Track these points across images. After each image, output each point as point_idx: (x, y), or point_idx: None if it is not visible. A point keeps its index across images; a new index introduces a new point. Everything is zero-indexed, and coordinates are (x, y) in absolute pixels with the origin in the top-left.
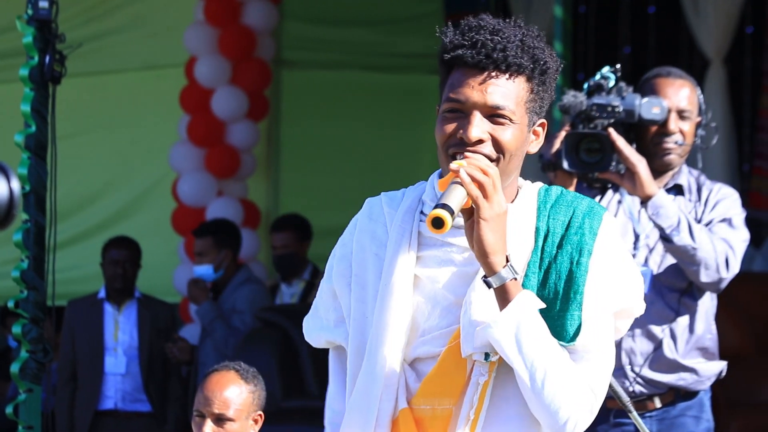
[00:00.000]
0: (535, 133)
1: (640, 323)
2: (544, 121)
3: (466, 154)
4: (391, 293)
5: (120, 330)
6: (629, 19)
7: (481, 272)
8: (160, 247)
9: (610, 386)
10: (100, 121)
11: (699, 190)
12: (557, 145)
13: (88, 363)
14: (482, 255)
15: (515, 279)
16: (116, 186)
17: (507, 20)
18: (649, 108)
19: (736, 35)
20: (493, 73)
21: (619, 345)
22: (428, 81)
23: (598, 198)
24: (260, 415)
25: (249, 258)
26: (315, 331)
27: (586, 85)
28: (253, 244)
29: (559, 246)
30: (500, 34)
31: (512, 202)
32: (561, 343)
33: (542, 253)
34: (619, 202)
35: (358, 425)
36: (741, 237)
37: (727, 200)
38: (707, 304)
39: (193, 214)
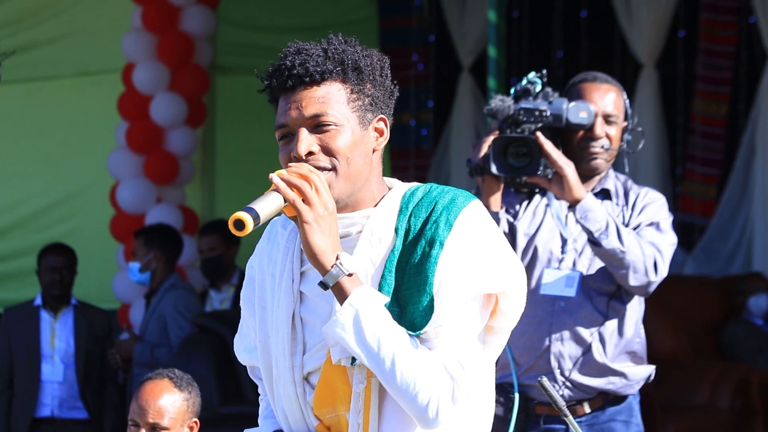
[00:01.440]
0: (376, 129)
1: (568, 327)
2: (383, 116)
3: (290, 164)
4: (280, 313)
5: (56, 337)
6: (562, 24)
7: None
8: (99, 254)
9: (545, 390)
10: (34, 127)
11: (626, 194)
12: (485, 149)
13: (25, 370)
14: (311, 257)
15: (350, 275)
16: (52, 193)
17: (324, 40)
18: (576, 112)
19: (668, 39)
20: (302, 88)
21: (548, 349)
22: None
23: (525, 203)
24: (195, 422)
25: (188, 264)
26: (241, 351)
27: (512, 90)
28: (191, 251)
29: (416, 242)
30: (303, 52)
31: (375, 206)
32: (415, 333)
33: (401, 252)
34: (547, 206)
35: None
36: (669, 241)
37: (655, 204)
38: (636, 308)
39: (132, 220)
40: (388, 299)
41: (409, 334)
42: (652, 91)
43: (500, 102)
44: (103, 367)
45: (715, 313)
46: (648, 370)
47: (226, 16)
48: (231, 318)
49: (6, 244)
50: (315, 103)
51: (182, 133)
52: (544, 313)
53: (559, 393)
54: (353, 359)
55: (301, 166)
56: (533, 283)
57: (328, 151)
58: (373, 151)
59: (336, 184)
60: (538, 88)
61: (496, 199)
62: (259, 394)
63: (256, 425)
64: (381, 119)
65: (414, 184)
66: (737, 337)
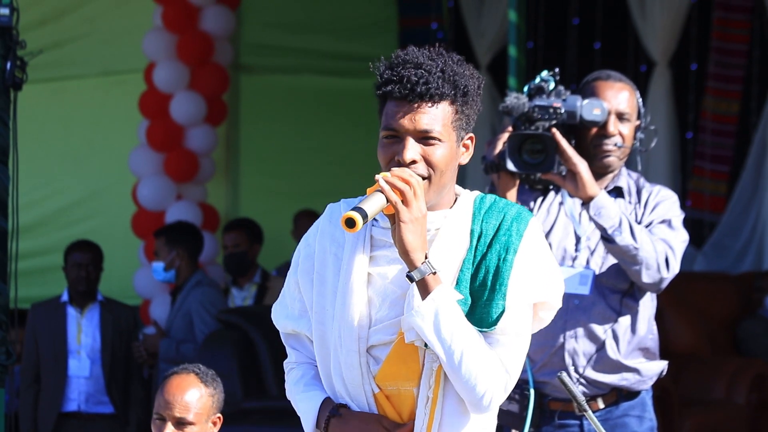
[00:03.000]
0: (464, 146)
1: (582, 324)
2: (472, 135)
3: (393, 169)
4: (350, 290)
5: (83, 333)
6: (577, 23)
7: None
8: (121, 251)
9: (565, 386)
10: (59, 126)
11: (639, 192)
12: (500, 146)
13: (52, 365)
14: (403, 253)
15: (434, 273)
16: (75, 191)
17: (431, 50)
18: (590, 109)
19: (681, 38)
20: (420, 103)
21: (562, 346)
22: None
23: (540, 199)
24: (219, 417)
25: (208, 261)
26: (282, 318)
27: (526, 88)
28: (212, 247)
29: (490, 245)
30: (423, 67)
31: (450, 208)
32: (484, 329)
33: (475, 251)
34: (561, 204)
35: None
36: (680, 238)
37: (667, 202)
38: (648, 305)
39: (152, 217)
40: (462, 297)
41: (479, 330)
42: (665, 89)
43: (515, 99)
44: (128, 363)
45: (732, 309)
46: (661, 366)
47: (248, 17)
48: (255, 314)
49: (32, 241)
50: (428, 119)
51: (202, 131)
52: (559, 311)
53: None
54: (426, 343)
55: (404, 171)
56: None
57: (428, 162)
58: (458, 165)
59: (427, 193)
60: (552, 86)
61: (511, 196)
62: (283, 388)
63: (279, 420)
64: (470, 137)
65: (479, 193)
66: (754, 333)
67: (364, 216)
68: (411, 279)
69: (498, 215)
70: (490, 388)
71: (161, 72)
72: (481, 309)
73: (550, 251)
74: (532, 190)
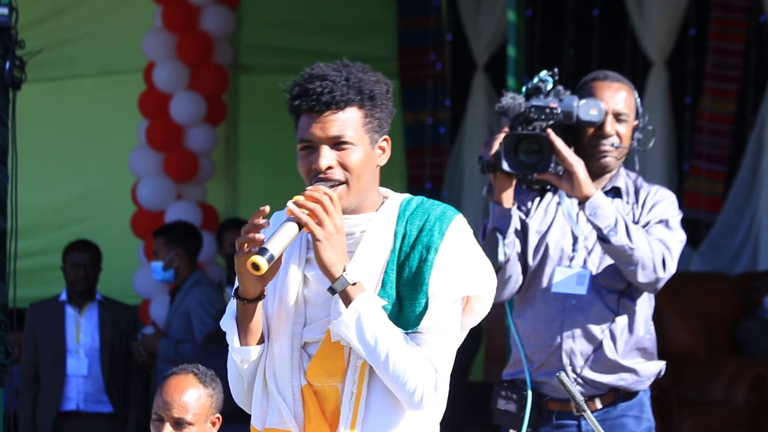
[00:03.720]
0: (380, 148)
1: (579, 324)
2: (387, 137)
3: (306, 189)
4: (286, 290)
5: (81, 332)
6: (574, 22)
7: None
8: (120, 251)
9: (564, 385)
10: (57, 126)
11: (636, 192)
12: (496, 146)
13: (51, 365)
14: (322, 268)
15: (354, 284)
16: (74, 191)
17: (338, 63)
18: (586, 109)
19: (678, 38)
20: (328, 112)
21: (559, 346)
22: None
23: (537, 200)
24: (218, 417)
25: (208, 260)
26: (226, 318)
27: (524, 88)
28: (212, 247)
29: (413, 246)
30: (328, 78)
31: (376, 210)
32: (410, 328)
33: (399, 252)
34: (558, 204)
35: (276, 398)
36: (678, 238)
37: (665, 202)
38: (645, 305)
39: (152, 217)
40: (385, 302)
41: (405, 331)
42: (662, 88)
43: (511, 100)
44: (128, 362)
45: (731, 309)
46: (659, 366)
47: (248, 17)
48: None
49: (30, 241)
50: (337, 125)
51: (202, 131)
52: (556, 311)
53: None
54: None
55: (316, 189)
56: (545, 281)
57: (344, 167)
58: (377, 166)
59: (347, 196)
60: (549, 86)
61: (508, 196)
62: None
63: None
64: (385, 139)
65: (407, 195)
66: (753, 333)
67: (270, 258)
68: (333, 291)
69: (422, 216)
70: (420, 386)
71: (161, 72)
72: (407, 309)
73: (476, 246)
74: (530, 190)
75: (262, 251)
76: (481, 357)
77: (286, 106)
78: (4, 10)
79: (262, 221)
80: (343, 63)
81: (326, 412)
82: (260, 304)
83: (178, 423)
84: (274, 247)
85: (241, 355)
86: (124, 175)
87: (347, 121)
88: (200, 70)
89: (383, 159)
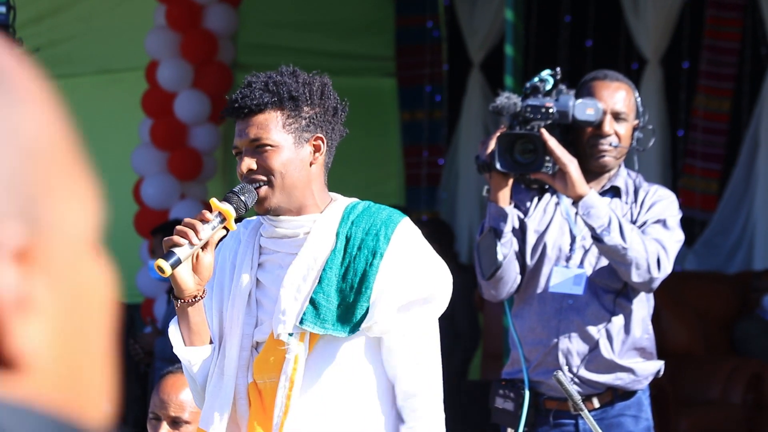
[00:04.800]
0: (314, 147)
1: (576, 324)
2: (320, 135)
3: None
4: (239, 293)
5: None
6: (569, 20)
7: (290, 268)
8: (122, 249)
9: (561, 385)
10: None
11: (636, 191)
12: (492, 146)
13: None
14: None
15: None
16: None
17: (276, 71)
18: (583, 109)
19: (673, 36)
20: (247, 117)
21: (556, 346)
22: (382, 83)
23: (536, 199)
24: None
25: None
26: (173, 320)
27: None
28: None
29: (359, 249)
30: (250, 86)
31: (321, 212)
32: (344, 329)
33: (344, 253)
34: (557, 204)
35: (219, 398)
36: (675, 238)
37: (664, 202)
38: (643, 304)
39: (156, 216)
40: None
41: (340, 330)
42: (656, 87)
43: (506, 99)
44: (125, 360)
45: (729, 309)
46: (657, 366)
47: (246, 16)
48: None
49: None
50: (254, 129)
51: (205, 129)
52: (553, 311)
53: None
54: (290, 333)
55: (185, 222)
56: (542, 280)
57: (265, 169)
58: (311, 164)
59: (272, 195)
60: (549, 86)
61: (504, 195)
62: None
63: None
64: (318, 138)
65: (354, 199)
66: (751, 333)
67: (175, 263)
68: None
69: (368, 220)
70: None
71: (165, 70)
72: (346, 310)
73: (425, 248)
74: (529, 189)
75: (168, 255)
76: (479, 356)
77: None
78: (2, 9)
79: (197, 222)
80: (278, 71)
81: (267, 409)
82: (200, 305)
83: (175, 422)
84: (183, 251)
85: (186, 357)
86: (124, 174)
87: (265, 124)
88: (204, 69)
89: (317, 157)
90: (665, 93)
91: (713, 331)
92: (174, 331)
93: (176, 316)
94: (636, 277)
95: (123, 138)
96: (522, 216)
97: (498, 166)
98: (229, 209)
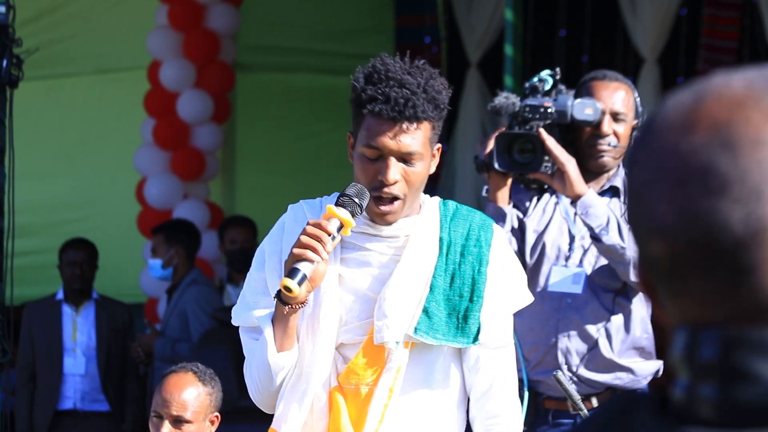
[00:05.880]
0: (433, 155)
1: (575, 324)
2: (440, 145)
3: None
4: (321, 290)
5: (78, 331)
6: (565, 18)
7: (394, 273)
8: (124, 250)
9: (561, 384)
10: (54, 124)
11: None
12: (490, 145)
13: (47, 364)
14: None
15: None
16: (72, 190)
17: (405, 62)
18: (581, 109)
19: (670, 35)
20: (404, 125)
21: (555, 345)
22: None
23: (535, 199)
24: (217, 416)
25: (214, 259)
26: (244, 312)
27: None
28: (217, 246)
29: (462, 255)
30: (406, 85)
31: (418, 214)
32: (463, 341)
33: (447, 259)
34: (556, 203)
35: (297, 399)
36: None
37: None
38: (642, 304)
39: (159, 216)
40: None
41: (467, 343)
42: (653, 85)
43: (504, 99)
44: (124, 360)
45: None
46: (656, 365)
47: (245, 16)
48: None
49: (27, 240)
50: (411, 140)
51: (208, 129)
52: (552, 310)
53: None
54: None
55: (309, 233)
56: (541, 280)
57: (407, 183)
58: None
59: (401, 210)
60: (548, 85)
61: (503, 195)
62: None
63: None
64: (438, 148)
65: (438, 198)
66: None
67: (302, 279)
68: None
69: (464, 223)
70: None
71: (167, 70)
72: (459, 320)
73: (514, 255)
74: (528, 189)
75: (293, 272)
76: None
77: (352, 96)
78: (2, 8)
79: (323, 234)
80: (413, 65)
81: (352, 414)
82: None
83: (177, 421)
84: (308, 267)
85: (281, 363)
86: (124, 174)
87: (420, 137)
88: (206, 69)
89: (433, 166)
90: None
91: None
92: (270, 336)
93: (271, 320)
94: (634, 276)
95: (124, 138)
96: (521, 216)
97: (497, 165)
98: (349, 219)
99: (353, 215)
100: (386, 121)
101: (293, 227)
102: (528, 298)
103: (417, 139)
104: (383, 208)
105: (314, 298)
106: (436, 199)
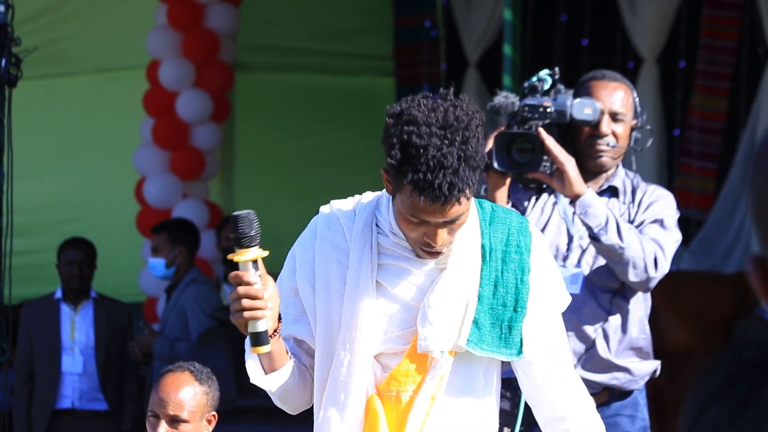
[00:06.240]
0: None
1: (572, 324)
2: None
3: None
4: (359, 298)
5: (76, 330)
6: (565, 18)
7: (438, 281)
8: (122, 249)
9: None
10: (54, 123)
11: (633, 191)
12: (490, 145)
13: (46, 363)
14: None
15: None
16: (70, 189)
17: (442, 112)
18: (580, 109)
19: (670, 35)
20: (450, 205)
21: None
22: (379, 83)
23: (534, 199)
24: (214, 415)
25: (213, 259)
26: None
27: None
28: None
29: (503, 262)
30: (447, 164)
31: None
32: (510, 353)
33: (489, 267)
34: (555, 203)
35: (337, 407)
36: (672, 238)
37: (661, 201)
38: (640, 304)
39: (159, 215)
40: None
41: (513, 355)
42: (652, 85)
43: (504, 98)
44: (123, 359)
45: (728, 308)
46: (653, 366)
47: (244, 15)
48: None
49: (26, 239)
50: (459, 209)
51: (207, 129)
52: None
53: None
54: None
55: (241, 294)
56: None
57: (453, 232)
58: None
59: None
60: (547, 85)
61: (502, 194)
62: None
63: (274, 418)
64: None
65: (472, 198)
66: (750, 333)
67: (266, 341)
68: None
69: (502, 228)
70: None
71: (167, 70)
72: (502, 330)
73: (551, 256)
74: (527, 188)
75: (257, 338)
76: None
77: (387, 154)
78: (1, 7)
79: (256, 291)
80: (446, 119)
81: (390, 419)
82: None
83: (174, 420)
84: (262, 324)
85: (268, 386)
86: (122, 173)
87: (465, 203)
88: (206, 68)
89: None
90: (661, 92)
91: (712, 330)
92: (252, 365)
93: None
94: (633, 276)
95: (123, 137)
96: None
97: (495, 165)
98: (261, 253)
99: (259, 244)
100: (432, 202)
101: (326, 233)
102: (567, 299)
103: (463, 205)
104: (430, 257)
105: (350, 306)
106: (472, 200)
